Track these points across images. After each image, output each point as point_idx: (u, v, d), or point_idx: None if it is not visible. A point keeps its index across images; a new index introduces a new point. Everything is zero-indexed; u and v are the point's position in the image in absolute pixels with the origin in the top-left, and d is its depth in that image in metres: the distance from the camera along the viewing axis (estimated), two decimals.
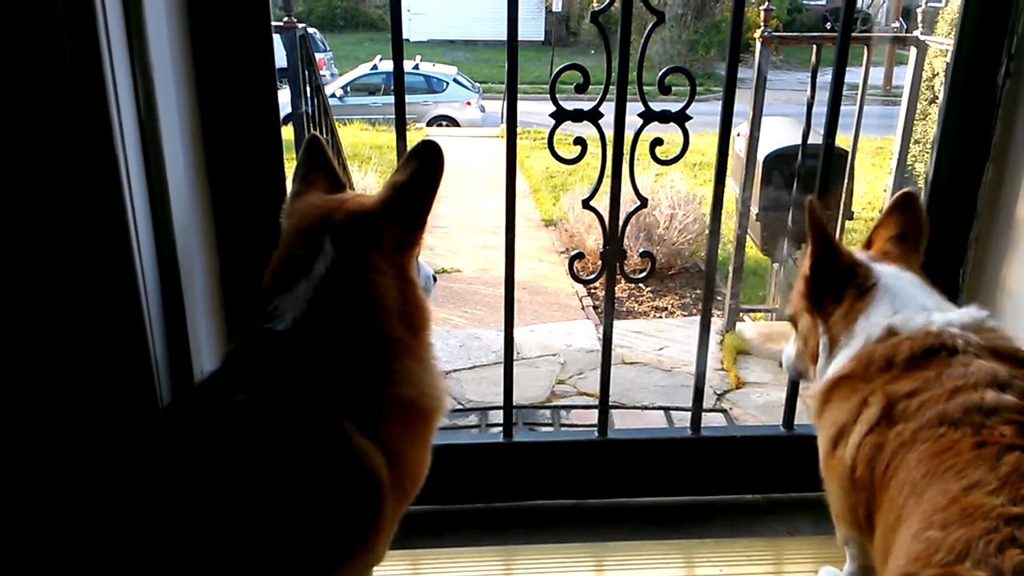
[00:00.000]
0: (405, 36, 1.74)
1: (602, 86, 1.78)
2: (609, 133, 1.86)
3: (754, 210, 5.07)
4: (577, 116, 1.81)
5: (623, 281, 7.11)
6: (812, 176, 2.00)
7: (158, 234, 1.41)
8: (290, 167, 1.47)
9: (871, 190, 9.09)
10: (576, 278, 2.06)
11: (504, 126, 12.34)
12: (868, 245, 1.53)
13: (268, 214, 1.70)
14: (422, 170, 1.30)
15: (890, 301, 1.38)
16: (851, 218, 5.17)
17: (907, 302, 1.37)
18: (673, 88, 1.88)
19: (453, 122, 15.80)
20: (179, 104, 1.50)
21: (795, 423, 2.06)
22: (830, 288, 1.43)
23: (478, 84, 17.33)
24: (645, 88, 1.83)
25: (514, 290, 1.94)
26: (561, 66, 1.82)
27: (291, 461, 1.16)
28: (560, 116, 1.80)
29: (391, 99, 1.82)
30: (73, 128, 1.23)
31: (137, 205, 1.34)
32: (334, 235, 1.27)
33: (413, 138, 1.47)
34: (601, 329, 2.06)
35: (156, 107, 1.38)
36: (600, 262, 1.94)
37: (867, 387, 1.29)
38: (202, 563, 1.09)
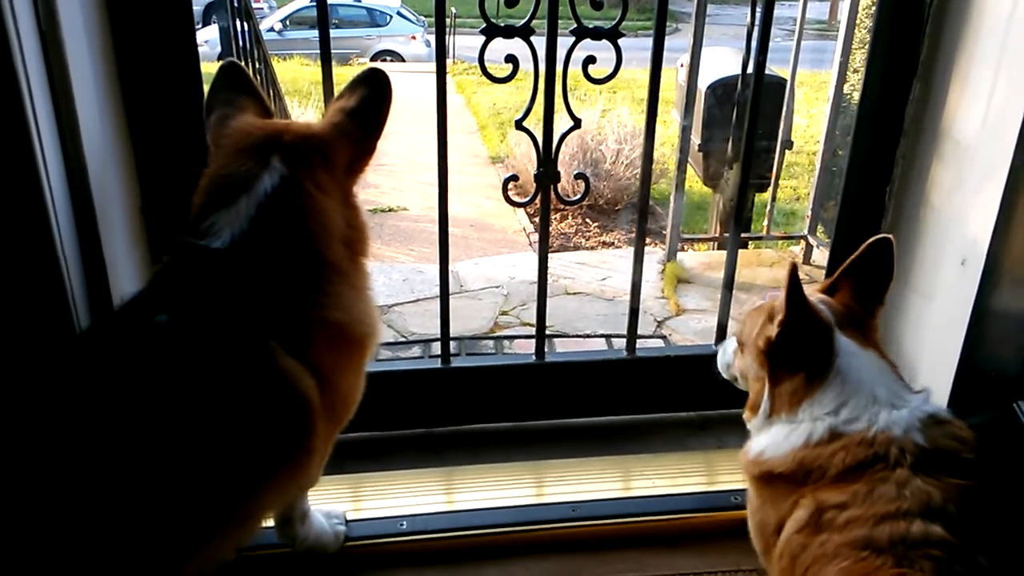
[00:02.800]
0: None
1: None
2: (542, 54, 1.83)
3: (696, 140, 5.09)
4: (508, 32, 1.78)
5: (569, 216, 7.14)
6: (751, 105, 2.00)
7: (67, 157, 1.36)
8: None
9: (813, 123, 9.20)
10: (510, 201, 2.06)
11: (451, 62, 12.07)
12: (832, 287, 1.43)
13: (190, 137, 1.65)
14: (372, 95, 1.33)
15: (840, 388, 1.31)
16: (790, 148, 5.22)
17: (857, 391, 1.30)
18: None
19: (398, 57, 15.42)
20: (86, 17, 1.42)
21: None
22: (790, 356, 1.34)
23: (423, 18, 16.84)
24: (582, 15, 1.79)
25: (448, 213, 1.93)
26: None
27: (208, 381, 1.15)
28: (490, 32, 1.78)
29: (334, 32, 1.75)
30: None
31: (43, 127, 1.29)
32: (284, 153, 1.25)
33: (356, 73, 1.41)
34: None
35: (58, 19, 1.30)
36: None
37: (800, 491, 1.27)
38: (121, 489, 1.08)
